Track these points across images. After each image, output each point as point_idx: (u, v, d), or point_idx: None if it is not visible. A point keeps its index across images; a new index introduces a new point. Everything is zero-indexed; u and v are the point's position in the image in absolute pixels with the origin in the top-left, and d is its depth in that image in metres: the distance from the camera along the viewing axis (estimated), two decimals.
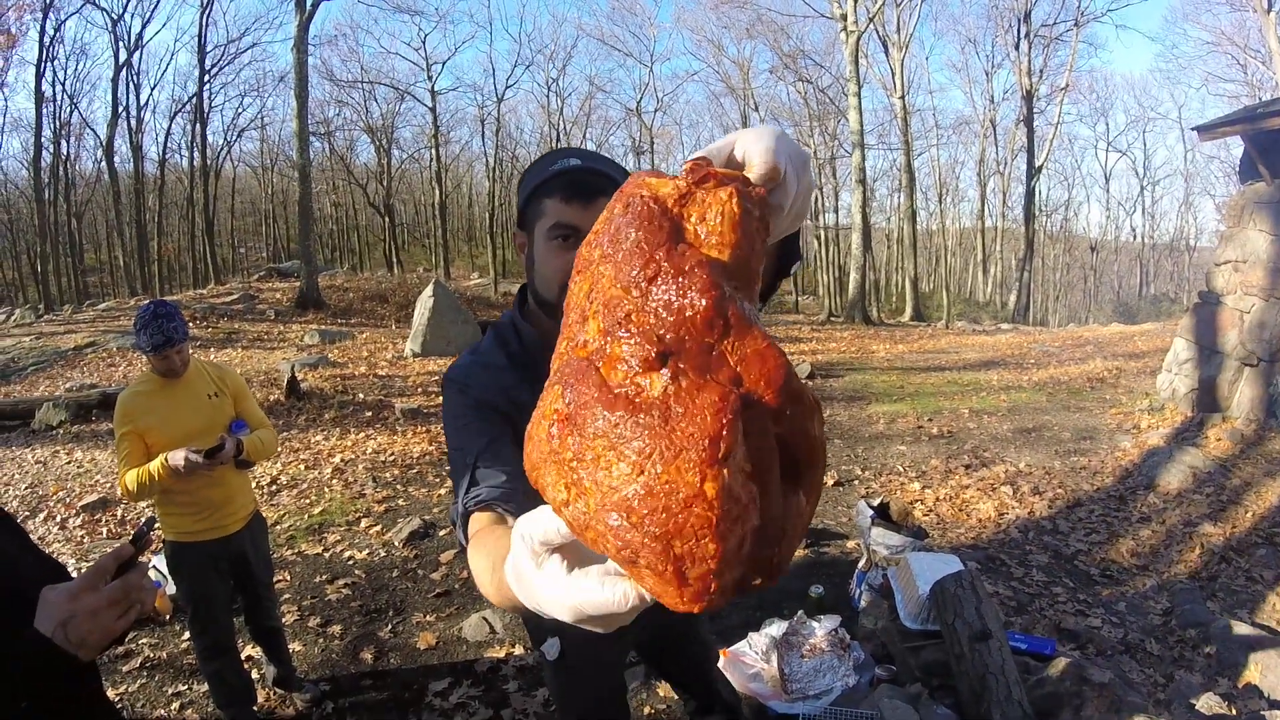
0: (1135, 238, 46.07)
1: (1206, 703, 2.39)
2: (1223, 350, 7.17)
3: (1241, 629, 3.31)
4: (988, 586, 3.74)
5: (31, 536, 4.61)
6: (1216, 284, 7.31)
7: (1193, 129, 7.83)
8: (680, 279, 0.52)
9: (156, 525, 1.79)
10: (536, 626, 1.76)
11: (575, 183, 1.19)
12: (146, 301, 2.67)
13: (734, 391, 0.49)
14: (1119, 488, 5.70)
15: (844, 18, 20.35)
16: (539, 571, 0.60)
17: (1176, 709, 2.38)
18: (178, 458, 2.47)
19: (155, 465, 2.51)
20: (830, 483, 5.91)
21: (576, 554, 0.60)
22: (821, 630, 2.93)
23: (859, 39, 20.31)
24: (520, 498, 1.08)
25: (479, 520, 1.07)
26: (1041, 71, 28.27)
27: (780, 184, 0.66)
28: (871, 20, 21.61)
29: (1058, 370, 10.88)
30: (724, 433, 0.46)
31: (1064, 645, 3.13)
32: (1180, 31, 50.51)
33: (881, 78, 27.64)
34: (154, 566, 4.15)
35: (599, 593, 0.55)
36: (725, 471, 0.46)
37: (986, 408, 8.51)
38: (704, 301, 0.51)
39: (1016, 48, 27.69)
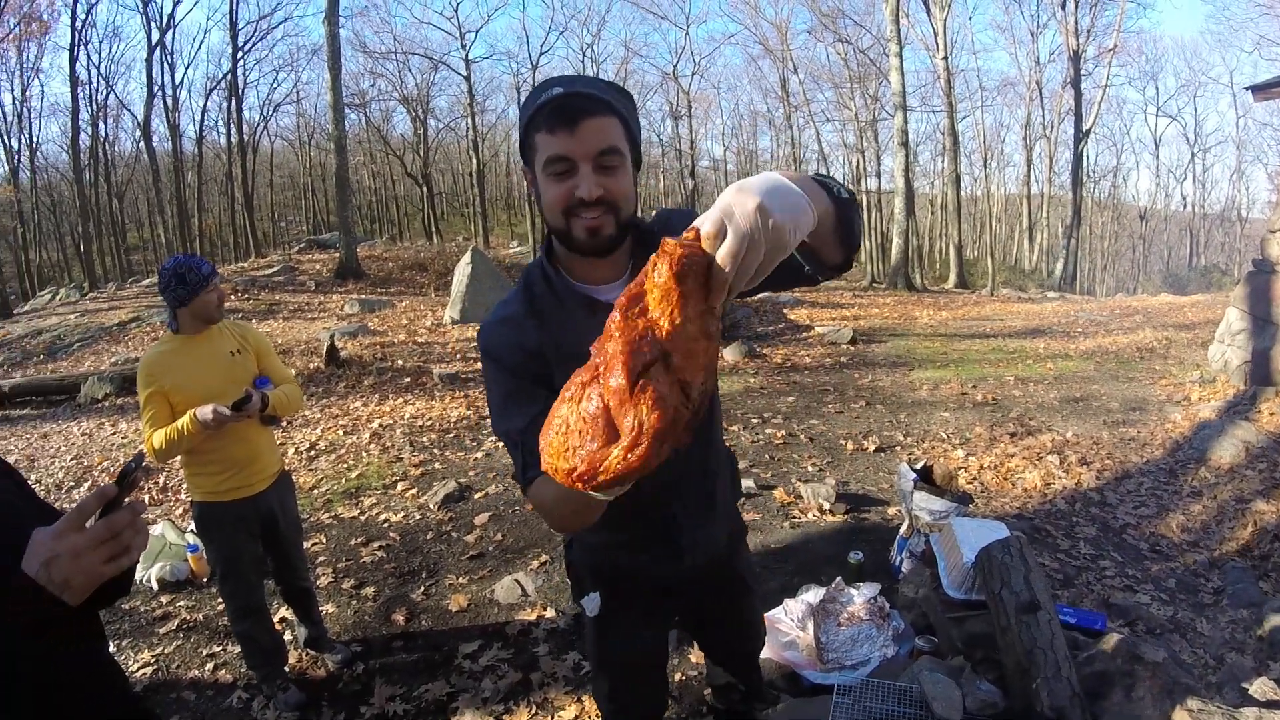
0: (1185, 206, 44.46)
1: (1260, 687, 2.26)
2: (1277, 321, 6.86)
3: None
4: None
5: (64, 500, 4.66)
6: (1272, 252, 6.97)
7: (1246, 89, 7.44)
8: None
9: (146, 462, 1.76)
10: (578, 580, 1.74)
11: (557, 109, 1.19)
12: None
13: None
14: (1169, 460, 5.49)
15: None
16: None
17: (1228, 692, 2.26)
18: (205, 412, 2.45)
19: (184, 421, 2.50)
20: (871, 448, 5.80)
21: None
22: (860, 598, 2.85)
23: None
24: None
25: (541, 481, 1.26)
26: (1089, 32, 27.11)
27: (726, 236, 0.82)
28: None
29: (1106, 339, 10.56)
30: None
31: (1113, 621, 3.02)
32: None
33: (923, 38, 26.77)
34: (191, 531, 4.21)
35: None
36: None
37: (1032, 376, 8.28)
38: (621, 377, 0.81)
39: (1063, 7, 26.56)
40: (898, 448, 5.88)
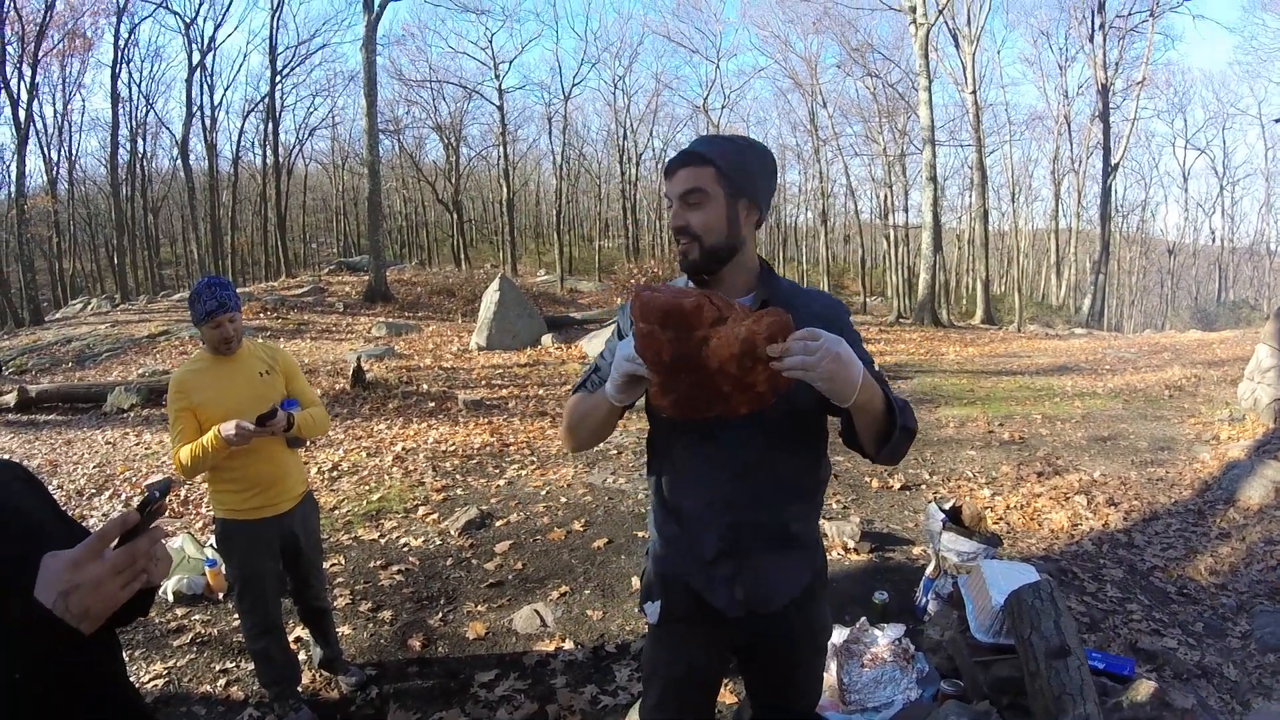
0: (1214, 240, 43.93)
1: None
2: None
3: None
4: None
5: (94, 514, 4.72)
6: None
7: (1275, 120, 7.38)
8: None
9: (172, 488, 1.77)
10: (648, 586, 1.78)
11: (668, 164, 1.57)
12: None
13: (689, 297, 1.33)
14: (1197, 501, 5.38)
15: (913, 10, 19.81)
16: (625, 349, 1.41)
17: None
18: (229, 427, 2.48)
19: (208, 438, 2.53)
20: (896, 486, 5.73)
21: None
22: (884, 639, 2.80)
23: (928, 32, 19.76)
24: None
25: (580, 395, 1.68)
26: (1117, 65, 27.10)
27: (812, 337, 1.26)
28: (941, 13, 21.01)
29: (1134, 377, 10.39)
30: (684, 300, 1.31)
31: (1141, 666, 2.94)
32: (1259, 22, 47.60)
33: (952, 72, 26.96)
34: (210, 545, 4.24)
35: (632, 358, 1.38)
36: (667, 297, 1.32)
37: (1060, 414, 8.16)
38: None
39: (1091, 40, 26.58)
40: (923, 486, 5.81)
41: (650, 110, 37.49)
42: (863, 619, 3.05)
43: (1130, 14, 26.20)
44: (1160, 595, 4.02)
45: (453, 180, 34.51)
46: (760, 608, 1.65)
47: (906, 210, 33.96)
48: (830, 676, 2.65)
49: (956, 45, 25.51)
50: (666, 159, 1.67)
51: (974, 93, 24.66)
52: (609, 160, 41.45)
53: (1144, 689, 1.98)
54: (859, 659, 2.77)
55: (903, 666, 2.66)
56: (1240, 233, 44.70)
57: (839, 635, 2.92)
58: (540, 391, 9.57)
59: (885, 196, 34.42)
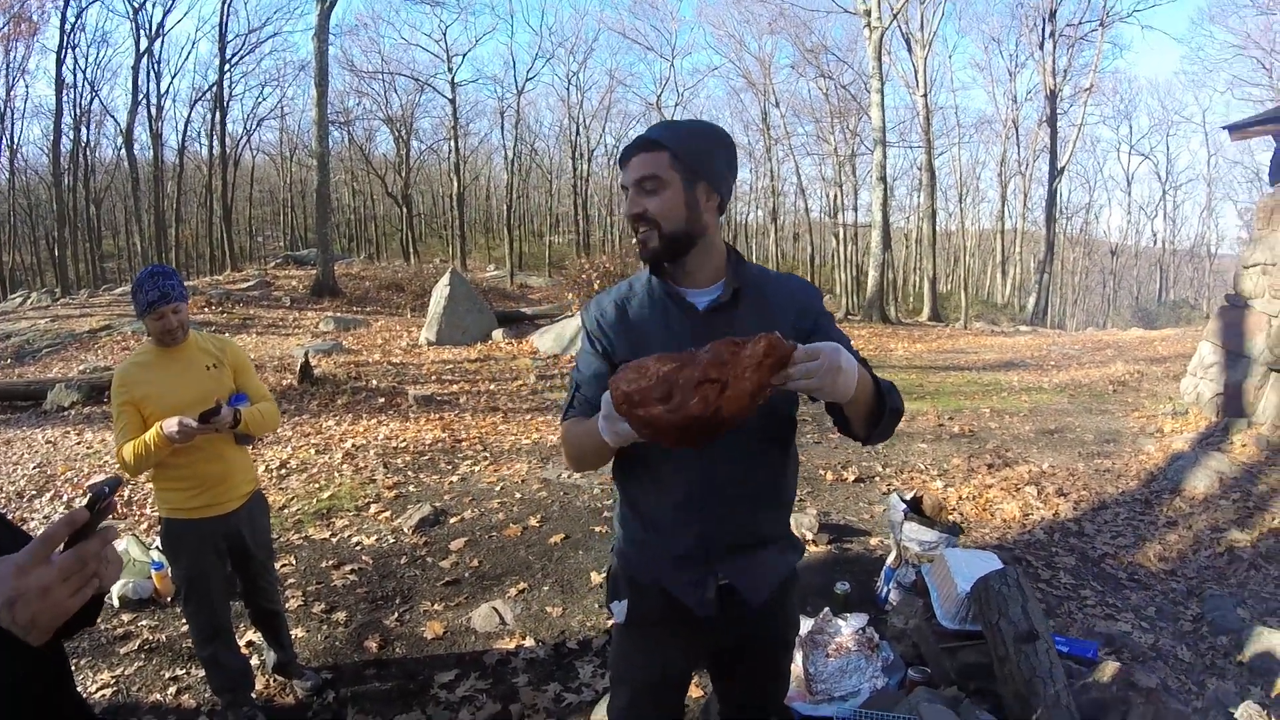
0: (1156, 242, 45.53)
1: (1245, 711, 2.26)
2: (1250, 355, 6.97)
3: (1274, 638, 3.16)
4: None
5: (34, 516, 4.48)
6: (1244, 287, 7.11)
7: (1223, 127, 7.60)
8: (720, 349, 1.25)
9: (124, 483, 1.66)
10: (615, 585, 1.73)
11: (622, 152, 1.54)
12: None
13: (679, 363, 1.25)
14: (1144, 491, 5.53)
15: (868, 14, 20.06)
16: (611, 411, 1.31)
17: (1214, 716, 2.25)
18: (171, 424, 2.36)
19: (151, 435, 2.41)
20: (851, 479, 5.79)
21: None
22: (848, 629, 2.80)
23: (882, 35, 20.03)
24: (594, 412, 1.53)
25: (572, 421, 1.63)
26: (1065, 72, 27.81)
27: (812, 359, 1.24)
28: (895, 17, 21.30)
29: (1078, 372, 10.67)
30: (665, 364, 1.26)
31: (1101, 650, 3.00)
32: (1206, 34, 49.59)
33: (904, 75, 27.41)
34: (156, 547, 4.07)
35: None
36: (655, 365, 1.26)
37: (1007, 408, 8.34)
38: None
39: (1041, 47, 27.21)
40: (876, 478, 5.87)
41: (604, 106, 37.38)
42: (826, 609, 3.05)
43: (1080, 23, 26.89)
44: (1112, 581, 4.11)
45: (403, 173, 33.95)
46: (735, 609, 1.61)
47: (856, 209, 34.45)
48: (796, 667, 2.64)
49: (909, 49, 25.93)
50: (620, 151, 1.57)
51: (925, 96, 25.10)
52: (561, 156, 41.27)
53: (1110, 670, 2.01)
54: (824, 649, 2.77)
55: (868, 655, 2.66)
56: (1181, 235, 46.44)
57: (803, 626, 2.91)
58: (492, 387, 9.45)
59: (835, 195, 34.90)
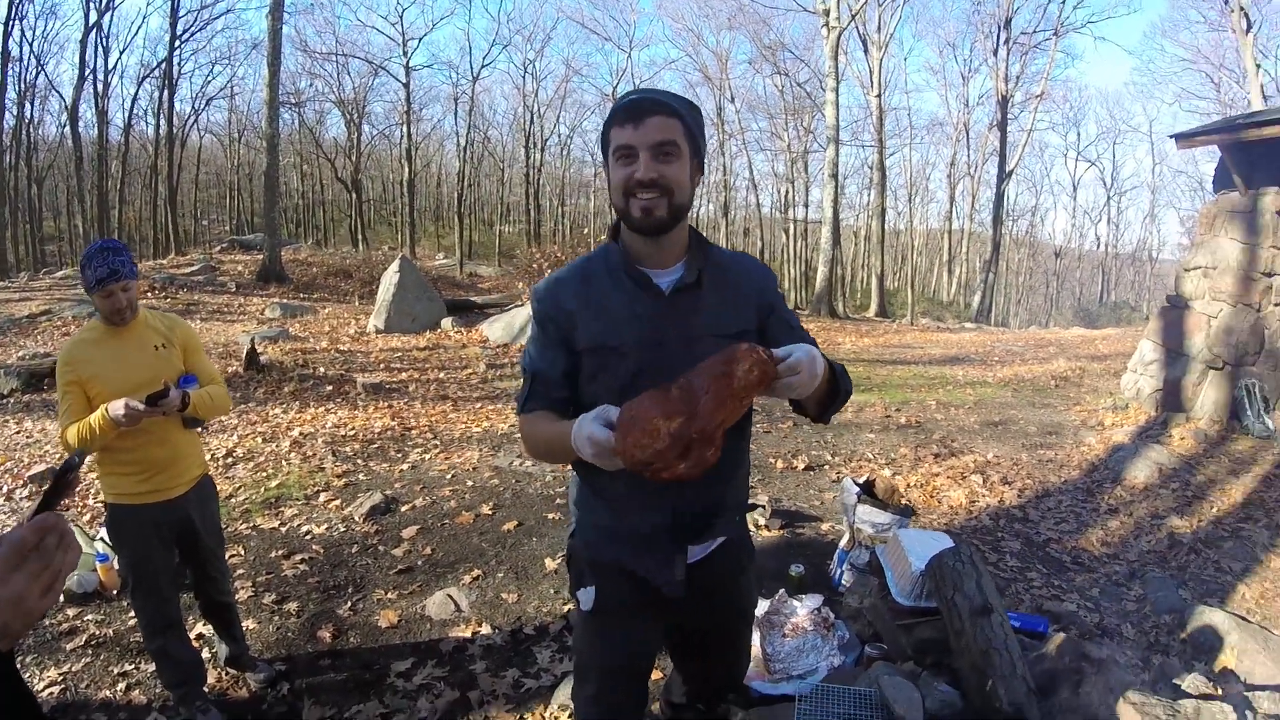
0: (1099, 246, 47.08)
1: (1193, 682, 2.36)
2: (1189, 353, 7.26)
3: (1215, 616, 3.29)
4: None
5: None
6: (1185, 289, 7.39)
7: (1171, 136, 7.89)
8: (710, 382, 1.23)
9: (86, 457, 1.58)
10: (578, 572, 1.69)
11: (629, 106, 1.41)
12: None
13: (687, 415, 1.21)
14: (1086, 480, 5.72)
15: (826, 13, 20.27)
16: (591, 421, 1.26)
17: (1161, 688, 2.34)
18: (117, 407, 2.27)
19: (96, 417, 2.31)
20: (801, 467, 5.87)
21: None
22: (804, 609, 2.84)
23: (840, 35, 20.27)
24: (554, 403, 1.56)
25: (533, 413, 1.56)
26: (1018, 78, 28.57)
27: (794, 374, 1.27)
28: (854, 18, 21.63)
29: (1022, 368, 10.98)
30: (674, 421, 1.20)
31: (1050, 626, 3.11)
32: (1157, 47, 51.82)
33: (859, 75, 27.83)
34: (101, 538, 3.93)
35: (603, 433, 1.24)
36: (663, 424, 1.20)
37: (953, 401, 8.53)
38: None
39: (995, 54, 27.87)
40: (826, 466, 5.97)
41: (559, 96, 37.21)
42: (781, 591, 3.09)
43: (1035, 31, 27.63)
44: (1057, 564, 4.25)
45: (353, 158, 33.35)
46: (702, 586, 1.63)
47: (807, 205, 34.97)
48: (755, 648, 2.66)
49: (865, 50, 26.34)
50: (619, 103, 1.45)
51: (879, 96, 25.52)
52: (514, 144, 40.88)
53: (1062, 641, 2.08)
54: (780, 629, 2.81)
55: (824, 634, 2.71)
56: (1124, 240, 48.24)
57: (760, 607, 2.95)
58: (441, 375, 9.35)
59: (786, 192, 35.37)
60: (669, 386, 1.25)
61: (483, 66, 33.91)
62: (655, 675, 2.90)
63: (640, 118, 1.40)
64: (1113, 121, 52.81)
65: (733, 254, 1.65)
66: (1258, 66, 19.39)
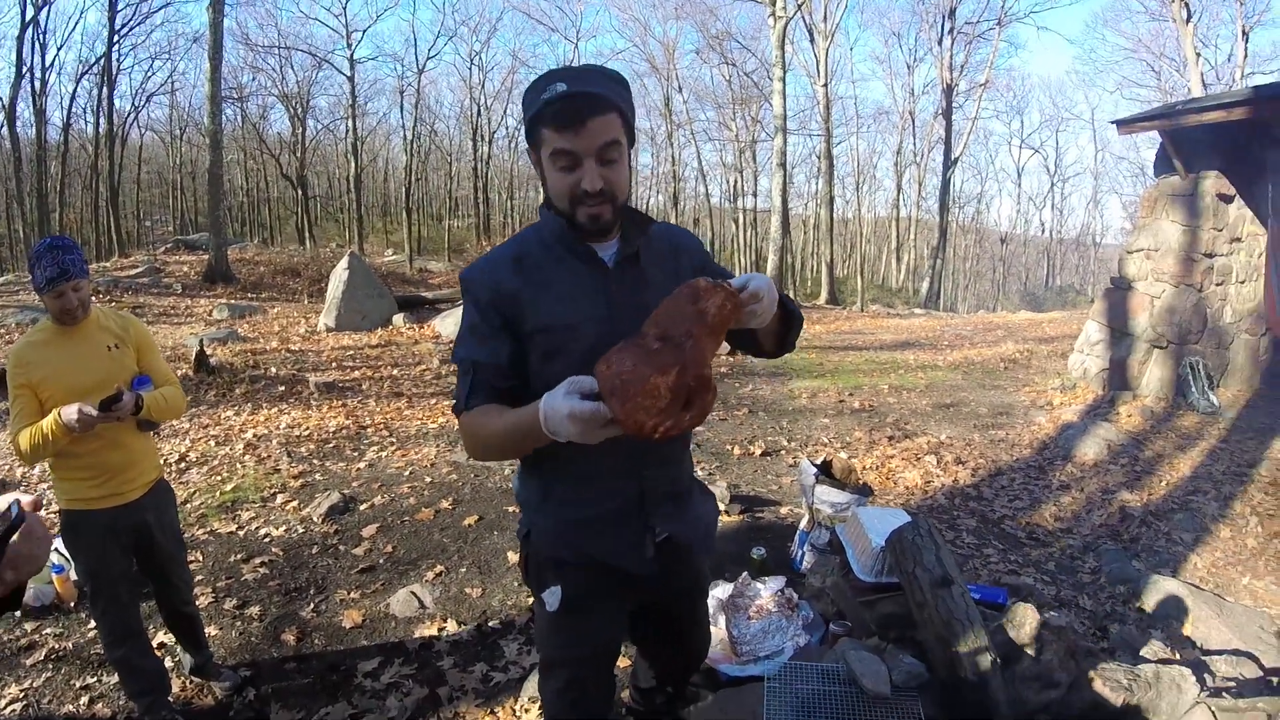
0: (1044, 231, 48.32)
1: (1152, 648, 2.47)
2: (1133, 333, 7.50)
3: (1169, 585, 3.44)
4: None
5: None
6: (1129, 270, 7.62)
7: (1112, 122, 8.11)
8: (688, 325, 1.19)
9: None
10: (539, 573, 1.64)
11: (563, 112, 1.31)
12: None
13: (679, 365, 1.15)
14: (1038, 458, 5.89)
15: (773, 3, 20.34)
16: (565, 397, 1.18)
17: (1121, 655, 2.44)
18: (70, 412, 2.20)
19: (48, 422, 2.24)
20: (758, 453, 5.95)
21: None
22: (767, 591, 2.89)
23: (786, 25, 20.38)
24: (500, 394, 1.45)
25: (477, 409, 1.45)
26: (962, 67, 29.22)
27: (758, 301, 1.30)
28: (800, 8, 21.73)
29: (971, 351, 11.22)
30: (671, 375, 1.14)
31: (1010, 598, 3.20)
32: (1099, 37, 53.27)
33: (806, 65, 28.09)
34: (56, 549, 3.80)
35: (587, 405, 1.15)
36: (660, 380, 1.13)
37: (905, 385, 8.70)
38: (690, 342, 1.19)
39: (939, 43, 28.47)
40: (782, 452, 6.05)
41: (506, 88, 36.73)
42: (744, 574, 3.13)
43: (979, 21, 28.29)
44: (1012, 540, 4.37)
45: (298, 154, 32.51)
46: (669, 562, 1.61)
47: (755, 195, 35.23)
48: (720, 631, 2.70)
49: (812, 40, 26.56)
50: (543, 95, 1.32)
51: (825, 86, 25.78)
52: (461, 137, 40.28)
53: (1022, 610, 2.15)
54: (745, 612, 2.85)
55: (788, 615, 2.76)
56: (1068, 225, 49.56)
57: (724, 591, 2.99)
58: (395, 372, 9.25)
59: (735, 181, 35.55)
60: (641, 341, 1.19)
61: (429, 59, 33.71)
62: (622, 663, 2.93)
63: (581, 121, 1.31)
64: (1055, 109, 54.44)
65: (660, 223, 1.61)
66: (1197, 55, 20.11)
